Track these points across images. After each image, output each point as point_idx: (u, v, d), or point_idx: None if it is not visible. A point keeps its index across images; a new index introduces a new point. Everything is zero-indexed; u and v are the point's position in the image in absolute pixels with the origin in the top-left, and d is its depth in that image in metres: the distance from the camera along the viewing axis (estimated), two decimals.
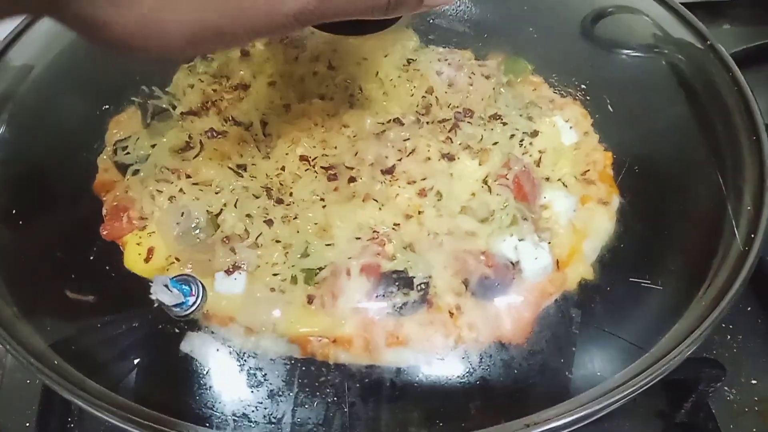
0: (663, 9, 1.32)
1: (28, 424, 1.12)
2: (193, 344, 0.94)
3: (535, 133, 1.12)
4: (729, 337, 1.27)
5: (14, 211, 1.07)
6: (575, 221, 1.05)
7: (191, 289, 0.90)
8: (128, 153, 1.09)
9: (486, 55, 1.31)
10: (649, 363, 0.89)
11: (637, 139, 1.17)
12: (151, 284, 0.85)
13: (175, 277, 0.91)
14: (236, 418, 0.89)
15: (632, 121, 1.19)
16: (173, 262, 0.98)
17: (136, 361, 0.93)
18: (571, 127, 1.16)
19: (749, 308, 1.29)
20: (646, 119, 1.21)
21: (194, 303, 0.91)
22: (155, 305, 0.88)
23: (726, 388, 1.20)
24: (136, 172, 1.07)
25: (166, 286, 0.86)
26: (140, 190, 1.04)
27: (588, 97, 1.23)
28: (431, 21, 1.38)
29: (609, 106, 1.21)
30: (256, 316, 0.94)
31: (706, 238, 1.06)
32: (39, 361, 0.85)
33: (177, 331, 0.95)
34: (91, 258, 1.03)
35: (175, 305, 0.89)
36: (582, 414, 0.84)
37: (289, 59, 1.21)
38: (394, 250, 0.96)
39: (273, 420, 0.89)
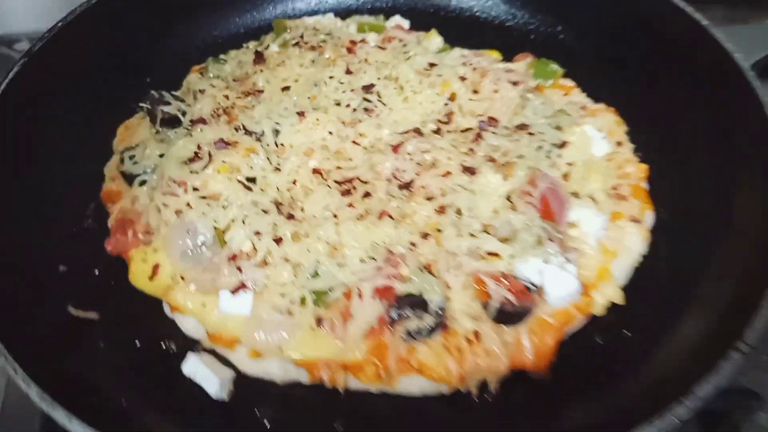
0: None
1: None
2: (195, 367, 0.89)
3: (563, 145, 1.05)
4: (765, 357, 1.18)
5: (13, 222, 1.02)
6: (604, 241, 0.98)
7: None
8: (136, 162, 1.05)
9: (514, 57, 1.24)
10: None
11: (675, 151, 1.08)
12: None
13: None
14: None
15: (669, 132, 1.11)
16: (179, 281, 0.94)
17: (136, 384, 0.89)
18: (603, 137, 1.08)
19: None
20: (685, 128, 1.11)
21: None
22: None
23: (761, 412, 1.12)
24: (143, 182, 1.03)
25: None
26: (147, 202, 1.00)
27: (623, 104, 1.15)
28: (455, 16, 1.32)
29: (646, 116, 1.12)
30: (262, 339, 0.89)
31: (751, 262, 0.97)
32: (38, 386, 0.80)
33: (179, 352, 0.91)
34: (97, 273, 0.99)
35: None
36: None
37: (305, 63, 1.15)
38: (409, 272, 0.90)
39: None
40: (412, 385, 0.89)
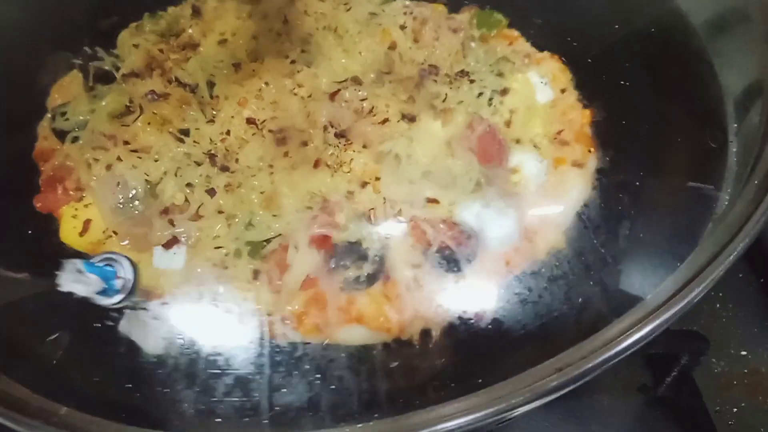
0: None
1: None
2: (130, 324, 0.87)
3: (505, 91, 1.03)
4: (718, 305, 1.19)
5: None
6: (547, 186, 0.97)
7: (116, 271, 0.82)
8: (67, 119, 1.01)
9: (460, 9, 1.22)
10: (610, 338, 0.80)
11: (616, 96, 1.07)
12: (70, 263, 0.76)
13: (93, 259, 0.83)
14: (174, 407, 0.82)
15: (612, 78, 1.10)
16: (110, 236, 0.91)
17: (67, 344, 0.86)
18: (546, 84, 1.07)
19: (740, 275, 1.20)
20: (630, 74, 1.11)
21: (123, 287, 0.82)
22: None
23: (713, 359, 1.13)
24: (74, 139, 0.99)
25: (80, 271, 0.75)
26: (77, 159, 0.97)
27: (568, 51, 1.13)
28: None
29: (590, 61, 1.11)
30: (196, 293, 0.87)
31: (689, 209, 0.98)
32: None
33: (115, 311, 0.89)
34: (28, 231, 0.96)
35: (99, 293, 0.79)
36: (545, 389, 0.76)
37: (242, 15, 1.12)
38: (346, 220, 0.89)
39: (211, 403, 0.83)
40: (352, 335, 0.88)
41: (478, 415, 0.75)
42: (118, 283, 0.82)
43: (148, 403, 0.83)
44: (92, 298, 0.80)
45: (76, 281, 0.76)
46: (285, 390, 0.84)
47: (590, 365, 0.77)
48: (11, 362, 0.82)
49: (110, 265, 0.82)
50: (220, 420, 0.83)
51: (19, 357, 0.85)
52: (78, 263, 0.77)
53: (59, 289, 0.76)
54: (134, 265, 0.84)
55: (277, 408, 0.83)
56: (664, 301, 0.81)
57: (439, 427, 0.74)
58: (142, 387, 0.84)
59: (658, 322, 0.80)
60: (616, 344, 0.77)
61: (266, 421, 0.84)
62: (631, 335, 0.78)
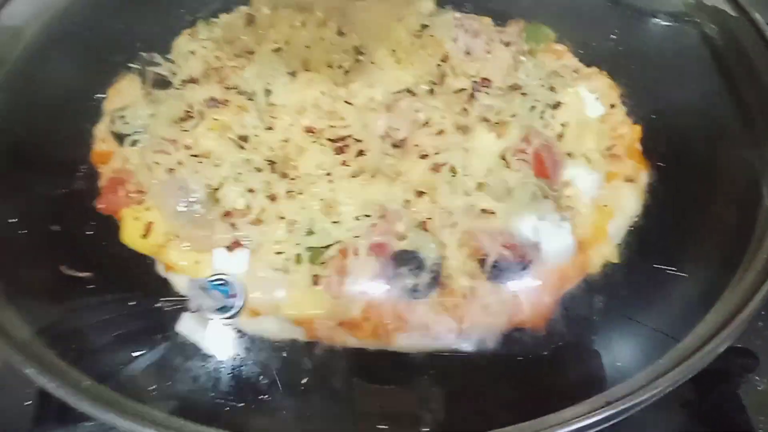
0: None
1: (28, 403, 1.07)
2: (189, 325, 0.88)
3: (557, 105, 1.05)
4: (761, 324, 1.19)
5: (4, 183, 1.01)
6: (599, 200, 0.98)
7: (228, 290, 0.86)
8: (126, 122, 1.03)
9: (506, 22, 1.24)
10: (681, 357, 0.82)
11: (667, 112, 1.09)
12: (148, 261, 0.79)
13: (210, 278, 0.87)
14: (232, 405, 0.83)
15: (662, 94, 1.11)
16: (172, 239, 0.93)
17: (128, 344, 0.88)
18: (596, 99, 1.08)
19: None
20: (678, 91, 1.12)
21: (234, 305, 0.87)
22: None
23: (757, 377, 1.13)
24: (134, 142, 1.01)
25: (204, 288, 0.83)
26: (138, 162, 0.98)
27: (616, 67, 1.15)
28: None
29: (639, 77, 1.13)
30: (258, 297, 0.88)
31: (739, 223, 0.99)
32: (22, 350, 0.79)
33: (173, 310, 0.90)
34: (88, 233, 0.98)
35: (219, 309, 0.85)
36: (610, 413, 0.76)
37: (296, 25, 1.14)
38: (405, 229, 0.90)
39: (269, 405, 0.84)
40: (408, 342, 0.89)
41: None
42: (230, 301, 0.86)
43: (210, 403, 0.84)
44: (211, 312, 0.86)
45: (204, 297, 0.85)
46: (342, 395, 0.86)
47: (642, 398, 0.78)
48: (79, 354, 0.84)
49: (224, 284, 0.87)
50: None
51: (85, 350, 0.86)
52: (202, 281, 0.86)
53: (191, 302, 0.85)
54: (242, 284, 0.87)
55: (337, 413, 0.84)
56: (725, 320, 0.82)
57: None
58: (202, 386, 0.86)
59: (724, 337, 0.81)
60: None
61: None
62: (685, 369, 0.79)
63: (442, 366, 0.88)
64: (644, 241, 0.97)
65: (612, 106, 1.10)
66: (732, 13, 1.16)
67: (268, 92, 1.04)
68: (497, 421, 0.78)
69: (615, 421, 0.76)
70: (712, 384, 1.06)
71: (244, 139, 0.98)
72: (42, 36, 1.19)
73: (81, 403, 0.73)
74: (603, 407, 0.75)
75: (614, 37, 1.21)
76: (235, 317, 0.86)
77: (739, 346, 1.05)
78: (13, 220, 0.96)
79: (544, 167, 0.96)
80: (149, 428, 0.71)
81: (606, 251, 0.95)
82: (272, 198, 0.92)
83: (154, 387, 0.83)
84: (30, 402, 1.03)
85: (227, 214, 0.92)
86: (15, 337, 0.80)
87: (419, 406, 0.87)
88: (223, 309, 0.85)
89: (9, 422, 1.03)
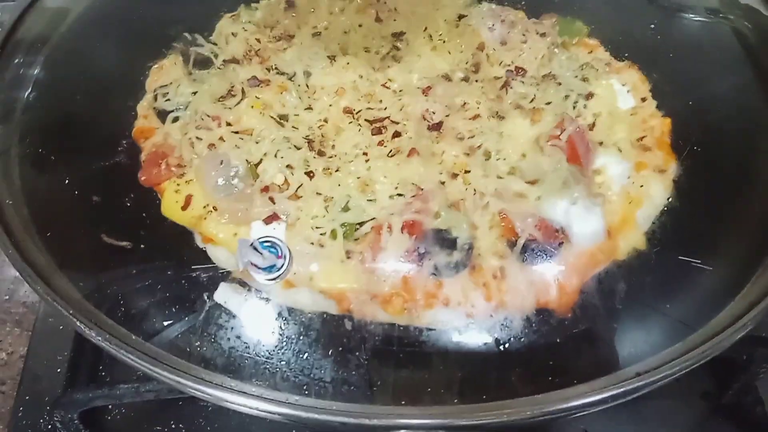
0: None
1: (59, 370, 1.11)
2: (226, 295, 0.91)
3: (590, 96, 1.07)
4: None
5: (50, 157, 1.05)
6: (629, 188, 0.99)
7: (278, 252, 0.88)
8: (168, 100, 1.07)
9: (540, 16, 1.26)
10: (696, 343, 0.84)
11: (698, 106, 1.10)
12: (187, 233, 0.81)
13: (260, 239, 0.89)
14: (266, 370, 0.86)
15: (693, 88, 1.13)
16: (211, 211, 0.96)
17: (168, 309, 0.91)
18: (628, 92, 1.10)
19: None
20: (709, 86, 1.14)
21: (283, 266, 0.89)
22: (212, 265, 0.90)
23: None
24: (176, 119, 1.05)
25: (255, 248, 0.85)
26: (180, 137, 1.01)
27: (647, 62, 1.16)
28: None
29: (670, 72, 1.14)
30: (294, 269, 0.91)
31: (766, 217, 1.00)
32: (74, 309, 0.82)
33: (211, 280, 0.93)
34: (128, 204, 1.01)
35: (266, 268, 0.87)
36: (621, 390, 0.79)
37: (335, 10, 1.16)
38: (438, 209, 0.92)
39: (301, 374, 0.86)
40: (437, 318, 0.91)
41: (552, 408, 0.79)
42: (280, 263, 0.89)
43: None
44: (259, 271, 0.88)
45: (255, 254, 0.86)
46: (374, 366, 0.88)
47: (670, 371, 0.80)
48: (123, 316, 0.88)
49: (273, 246, 0.89)
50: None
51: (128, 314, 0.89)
52: (254, 242, 0.87)
53: (241, 259, 0.87)
54: (289, 249, 0.90)
55: (373, 384, 0.86)
56: (748, 306, 0.84)
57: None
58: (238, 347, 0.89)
59: (740, 326, 0.83)
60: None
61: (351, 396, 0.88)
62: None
63: (466, 343, 0.90)
64: (672, 230, 0.98)
65: (643, 99, 1.11)
66: (764, 12, 1.17)
67: (307, 74, 1.07)
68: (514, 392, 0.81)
69: (641, 392, 0.78)
70: (732, 376, 1.07)
71: (284, 117, 1.01)
72: (86, 17, 1.23)
73: (131, 357, 0.76)
74: (632, 378, 0.76)
75: (646, 32, 1.22)
76: (280, 278, 0.88)
77: (760, 335, 1.06)
78: (60, 192, 1.00)
79: (577, 154, 0.97)
80: (195, 383, 0.74)
81: (634, 239, 0.96)
82: (310, 175, 0.95)
83: (192, 348, 0.86)
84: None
85: (266, 188, 0.94)
86: (69, 298, 0.83)
87: (443, 380, 0.89)
88: (271, 268, 0.87)
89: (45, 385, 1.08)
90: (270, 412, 0.78)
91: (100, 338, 0.79)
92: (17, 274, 0.87)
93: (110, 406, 1.08)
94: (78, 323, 0.80)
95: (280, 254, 0.88)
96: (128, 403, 1.04)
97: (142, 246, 0.96)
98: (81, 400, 0.99)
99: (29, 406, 1.08)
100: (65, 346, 1.12)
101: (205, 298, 0.91)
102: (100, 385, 1.07)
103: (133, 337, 0.82)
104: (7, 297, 1.23)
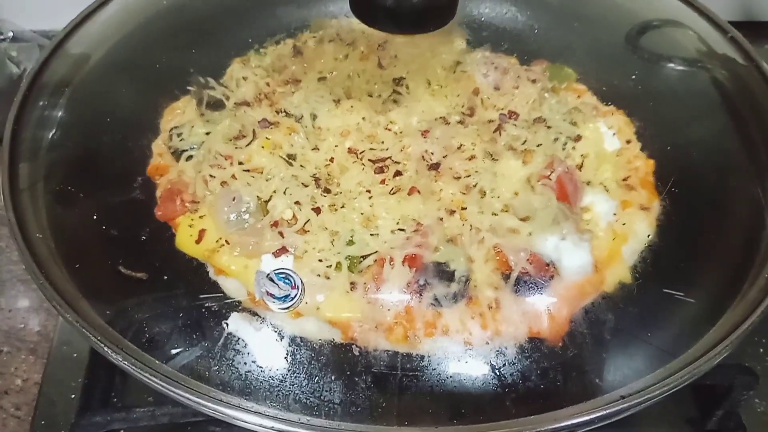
0: (708, 24, 1.32)
1: (73, 396, 1.16)
2: (237, 324, 0.97)
3: (578, 138, 1.14)
4: (762, 350, 1.27)
5: (72, 192, 1.11)
6: (615, 225, 1.06)
7: (291, 282, 0.95)
8: (183, 139, 1.14)
9: (531, 62, 1.34)
10: (676, 368, 0.89)
11: (679, 149, 1.18)
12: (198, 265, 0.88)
13: (275, 270, 0.95)
14: (274, 394, 0.91)
15: (675, 132, 1.21)
16: (223, 245, 1.02)
17: (184, 336, 0.96)
18: (614, 134, 1.17)
19: None
20: (689, 130, 1.22)
21: (297, 295, 0.95)
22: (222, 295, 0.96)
23: (757, 399, 1.21)
24: (189, 157, 1.11)
25: (271, 278, 0.92)
26: (194, 175, 1.08)
27: (632, 107, 1.24)
28: (477, 26, 1.41)
29: (653, 116, 1.22)
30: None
31: (743, 250, 1.07)
32: (101, 335, 0.88)
33: (223, 310, 0.99)
34: (145, 238, 1.07)
35: (281, 297, 0.94)
36: (607, 412, 0.85)
37: (340, 57, 1.24)
38: (437, 243, 0.99)
39: (309, 398, 0.92)
40: (436, 345, 0.97)
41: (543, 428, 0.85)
42: (293, 293, 0.95)
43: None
44: (274, 300, 0.95)
45: (271, 285, 0.94)
46: (379, 390, 0.94)
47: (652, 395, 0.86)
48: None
49: (287, 277, 0.96)
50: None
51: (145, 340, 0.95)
52: (270, 273, 0.95)
53: (258, 289, 0.94)
54: (301, 280, 0.96)
55: (378, 406, 0.92)
56: (726, 333, 0.91)
57: None
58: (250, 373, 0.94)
59: (717, 352, 0.89)
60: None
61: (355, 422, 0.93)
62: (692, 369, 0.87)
63: (464, 369, 0.95)
64: (655, 264, 1.05)
65: (628, 141, 1.18)
66: (741, 61, 1.25)
67: (314, 116, 1.14)
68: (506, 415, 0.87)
69: (626, 414, 0.84)
70: (715, 403, 1.13)
71: (292, 157, 1.08)
72: (105, 62, 1.30)
73: (155, 381, 0.82)
74: (617, 401, 0.82)
75: (632, 79, 1.30)
76: (293, 307, 0.93)
77: (741, 363, 1.12)
78: (82, 226, 1.06)
79: (566, 193, 1.04)
80: (215, 404, 0.80)
81: (620, 272, 1.03)
82: (317, 210, 1.01)
83: (209, 372, 0.91)
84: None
85: (275, 223, 1.00)
86: (96, 325, 0.89)
87: (443, 403, 0.95)
88: (285, 298, 0.93)
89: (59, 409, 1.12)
90: None
91: (126, 363, 0.84)
92: (30, 304, 0.93)
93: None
94: (106, 348, 0.85)
95: (293, 285, 0.93)
96: (140, 427, 1.08)
97: (157, 277, 1.02)
98: (99, 422, 1.04)
99: (44, 430, 1.13)
100: (79, 373, 1.16)
101: (224, 325, 0.96)
102: (117, 409, 1.12)
103: (157, 362, 0.87)
104: (21, 326, 1.27)
